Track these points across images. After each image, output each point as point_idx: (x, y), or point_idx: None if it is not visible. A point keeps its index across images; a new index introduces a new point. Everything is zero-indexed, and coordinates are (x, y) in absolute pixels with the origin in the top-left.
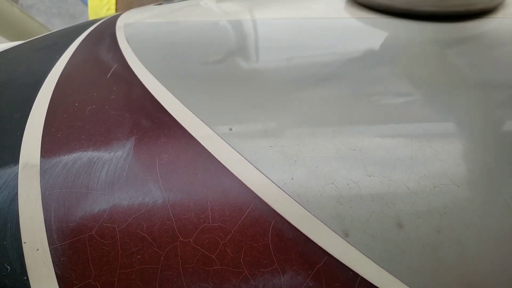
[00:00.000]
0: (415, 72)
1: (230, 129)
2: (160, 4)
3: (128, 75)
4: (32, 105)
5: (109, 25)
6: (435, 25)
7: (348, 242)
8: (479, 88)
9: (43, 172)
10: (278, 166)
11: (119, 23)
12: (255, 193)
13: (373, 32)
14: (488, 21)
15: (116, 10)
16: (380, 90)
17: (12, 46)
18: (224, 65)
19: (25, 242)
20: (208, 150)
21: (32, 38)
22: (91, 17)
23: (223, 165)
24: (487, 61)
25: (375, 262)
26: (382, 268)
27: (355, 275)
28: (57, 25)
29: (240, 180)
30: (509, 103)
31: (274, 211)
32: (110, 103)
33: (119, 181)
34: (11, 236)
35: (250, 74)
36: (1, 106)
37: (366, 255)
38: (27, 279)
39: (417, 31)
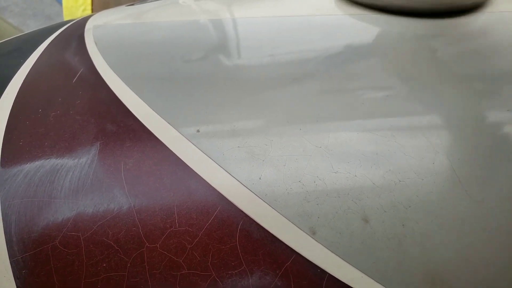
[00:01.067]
0: (387, 67)
1: (198, 131)
2: (132, 4)
3: (95, 79)
4: None
5: (78, 27)
6: (424, 21)
7: (315, 239)
8: (447, 82)
9: (2, 183)
10: (246, 166)
11: (88, 25)
12: (222, 195)
13: (355, 29)
14: (477, 16)
15: (92, 10)
16: (347, 86)
17: None
18: (192, 66)
19: None
20: (174, 153)
21: None
22: (66, 18)
23: (190, 167)
24: (470, 56)
25: (342, 259)
26: (349, 264)
27: (323, 272)
28: (33, 26)
29: (207, 182)
30: (473, 96)
31: (242, 212)
32: (76, 108)
33: (83, 188)
34: None
35: (217, 75)
36: None
37: (333, 252)
38: None
39: (405, 27)
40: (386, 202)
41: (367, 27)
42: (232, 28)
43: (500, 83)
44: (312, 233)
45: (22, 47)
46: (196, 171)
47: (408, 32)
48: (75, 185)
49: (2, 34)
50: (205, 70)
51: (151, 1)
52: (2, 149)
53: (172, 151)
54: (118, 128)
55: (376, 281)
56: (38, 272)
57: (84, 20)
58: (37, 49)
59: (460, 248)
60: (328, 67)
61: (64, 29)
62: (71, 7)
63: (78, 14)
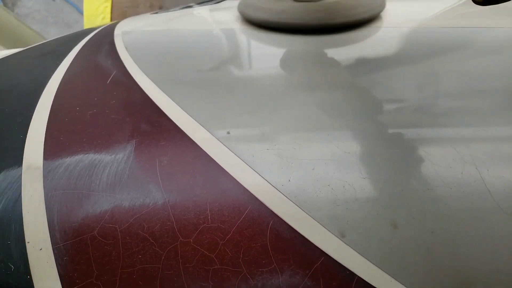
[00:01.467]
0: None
1: (228, 133)
2: (156, 13)
3: (128, 81)
4: (34, 110)
5: (107, 33)
6: (318, 38)
7: (344, 242)
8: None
9: (46, 174)
10: (275, 169)
11: (117, 31)
12: (253, 195)
13: None
14: (366, 31)
15: (111, 19)
16: (375, 95)
17: (11, 54)
18: (220, 72)
19: (28, 242)
20: (207, 153)
21: (31, 46)
22: (86, 25)
23: (221, 167)
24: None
25: (371, 262)
26: (378, 267)
27: (352, 274)
28: (53, 33)
29: (238, 182)
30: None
31: (272, 212)
32: (111, 107)
33: (120, 182)
34: (15, 236)
35: (246, 80)
36: (4, 111)
37: (362, 255)
38: (31, 278)
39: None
40: (415, 209)
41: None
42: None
43: None
44: (342, 236)
45: (56, 50)
46: (227, 170)
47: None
48: (112, 180)
49: (26, 39)
50: (233, 76)
51: (173, 10)
52: (44, 143)
53: (204, 151)
54: (152, 127)
55: (405, 286)
56: (78, 260)
57: (112, 27)
58: (70, 52)
59: (491, 259)
60: (360, 76)
61: (94, 35)
62: (91, 15)
63: (98, 22)
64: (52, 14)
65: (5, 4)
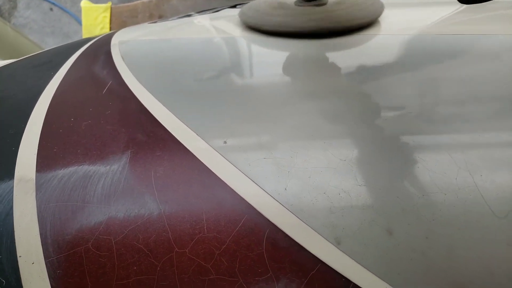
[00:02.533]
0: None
1: (225, 142)
2: (155, 22)
3: (124, 91)
4: (27, 121)
5: (103, 42)
6: (318, 42)
7: (340, 249)
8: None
9: (38, 186)
10: (272, 177)
11: (114, 41)
12: (249, 204)
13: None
14: (363, 36)
15: (111, 29)
16: (370, 103)
17: (6, 64)
18: (218, 81)
19: (20, 256)
20: (203, 163)
21: (27, 56)
22: (85, 36)
23: (217, 176)
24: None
25: (367, 269)
26: (374, 274)
27: (348, 281)
28: (51, 43)
29: (235, 191)
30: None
31: (268, 220)
32: (106, 118)
33: (115, 193)
34: (6, 250)
35: (243, 89)
36: None
37: (358, 262)
38: None
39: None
40: (410, 215)
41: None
42: (255, 45)
43: None
44: (337, 243)
45: (51, 60)
46: (224, 180)
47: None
48: (107, 191)
49: (23, 50)
50: (230, 85)
51: (172, 19)
52: (37, 155)
53: (200, 161)
54: (148, 137)
55: None
56: (72, 273)
57: (109, 36)
58: (66, 62)
59: (485, 262)
60: (356, 83)
61: (90, 44)
62: (90, 25)
63: (97, 33)
64: (50, 24)
65: (1, 15)
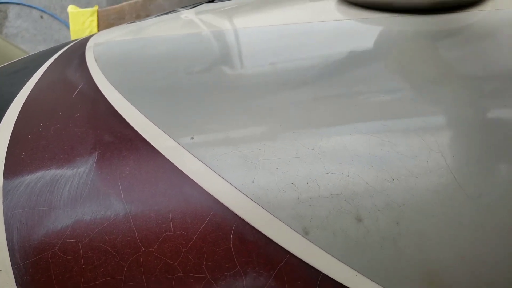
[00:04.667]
0: (386, 68)
1: (192, 138)
2: (132, 22)
3: (94, 92)
4: None
5: (80, 46)
6: (425, 18)
7: (308, 240)
8: (445, 80)
9: (5, 194)
10: (239, 171)
11: (90, 43)
12: (216, 199)
13: (355, 33)
14: (477, 13)
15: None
16: (341, 90)
17: None
18: (186, 77)
19: None
20: (169, 160)
21: (4, 64)
22: None
23: (184, 174)
24: (469, 53)
25: (336, 258)
26: (343, 263)
27: (317, 272)
28: None
29: (202, 187)
30: (470, 94)
31: (236, 215)
32: (75, 121)
33: (81, 196)
34: None
35: (210, 84)
36: None
37: (327, 252)
38: None
39: (406, 25)
40: (380, 201)
41: (367, 29)
42: (228, 38)
43: (499, 80)
44: (305, 233)
45: (27, 66)
46: (190, 176)
47: (409, 30)
48: (74, 194)
49: (14, 58)
50: (198, 80)
51: (150, 17)
52: (5, 162)
53: (167, 158)
54: (115, 138)
55: (372, 280)
56: (39, 278)
57: (86, 39)
58: (40, 68)
59: (457, 246)
60: (322, 73)
61: (67, 49)
62: (78, 30)
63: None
64: (41, 32)
65: None
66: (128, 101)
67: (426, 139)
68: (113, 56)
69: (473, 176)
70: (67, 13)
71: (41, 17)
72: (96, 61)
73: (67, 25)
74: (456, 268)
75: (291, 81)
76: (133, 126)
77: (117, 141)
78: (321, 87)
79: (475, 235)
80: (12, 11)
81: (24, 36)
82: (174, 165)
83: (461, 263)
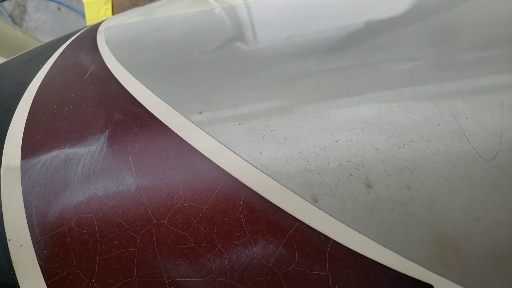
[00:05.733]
0: (388, 36)
1: (200, 112)
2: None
3: (105, 73)
4: (13, 113)
5: (92, 31)
6: None
7: (317, 207)
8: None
9: (23, 173)
10: (247, 142)
11: (101, 27)
12: (225, 171)
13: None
14: None
15: None
16: (349, 60)
17: (3, 62)
18: (192, 55)
19: (9, 239)
20: (178, 135)
21: (22, 53)
22: None
23: (193, 147)
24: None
25: (346, 224)
26: (353, 229)
27: (327, 238)
28: None
29: (210, 160)
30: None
31: (244, 185)
32: (86, 101)
33: (94, 173)
34: None
35: (216, 58)
36: None
37: (336, 218)
38: (14, 273)
39: None
40: (390, 166)
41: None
42: (238, 13)
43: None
44: (314, 201)
45: (42, 53)
46: (199, 150)
47: None
48: (87, 171)
49: None
50: (204, 56)
51: None
52: (22, 143)
53: (175, 133)
54: (125, 116)
55: (382, 245)
56: (58, 252)
57: (98, 24)
58: (54, 53)
59: (470, 208)
60: (331, 43)
61: (79, 34)
62: (93, 19)
63: None
64: (60, 23)
65: (13, 19)
66: (137, 80)
67: (438, 102)
68: (123, 37)
69: (486, 137)
70: (83, 4)
71: (59, 9)
72: (106, 43)
73: (83, 15)
74: (470, 229)
75: (301, 52)
76: (142, 103)
77: (127, 118)
78: (330, 56)
79: (490, 195)
80: (31, 4)
81: (44, 29)
82: (183, 139)
83: (474, 224)
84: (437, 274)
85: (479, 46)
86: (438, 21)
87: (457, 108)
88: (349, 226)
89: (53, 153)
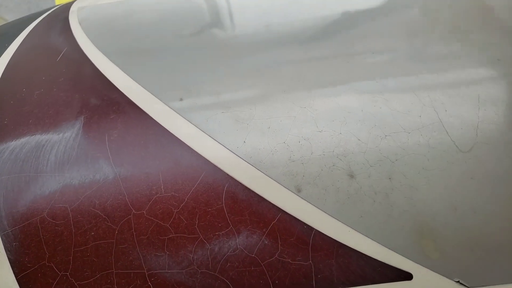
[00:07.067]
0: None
1: (181, 99)
2: None
3: (79, 56)
4: None
5: (63, 10)
6: None
7: (301, 197)
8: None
9: None
10: (230, 131)
11: (73, 7)
12: (207, 160)
13: None
14: None
15: None
16: (332, 50)
17: None
18: (173, 39)
19: None
20: (158, 123)
21: None
22: None
23: (174, 135)
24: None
25: (328, 214)
26: (336, 219)
27: (310, 228)
28: None
29: (192, 149)
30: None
31: (227, 175)
32: (59, 85)
33: (69, 161)
34: None
35: (198, 45)
36: None
37: (319, 208)
38: None
39: None
40: (372, 157)
41: None
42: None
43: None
44: (298, 191)
45: (7, 32)
46: (180, 138)
47: None
48: (61, 159)
49: None
50: (186, 41)
51: None
52: None
53: (156, 121)
54: (102, 101)
55: (364, 235)
56: (28, 244)
57: (69, 4)
58: (21, 33)
59: (448, 198)
60: (315, 32)
61: (49, 13)
62: None
63: None
64: (25, 0)
65: None
66: (114, 63)
67: (419, 94)
68: (98, 18)
69: (464, 129)
70: None
71: None
72: (80, 24)
73: None
74: (448, 218)
75: (283, 40)
76: (119, 88)
77: (104, 104)
78: (314, 46)
79: (466, 186)
80: None
81: (8, 6)
82: (164, 127)
83: (452, 213)
84: (416, 262)
85: (457, 39)
86: (415, 13)
87: (437, 100)
88: (332, 216)
89: (23, 140)
